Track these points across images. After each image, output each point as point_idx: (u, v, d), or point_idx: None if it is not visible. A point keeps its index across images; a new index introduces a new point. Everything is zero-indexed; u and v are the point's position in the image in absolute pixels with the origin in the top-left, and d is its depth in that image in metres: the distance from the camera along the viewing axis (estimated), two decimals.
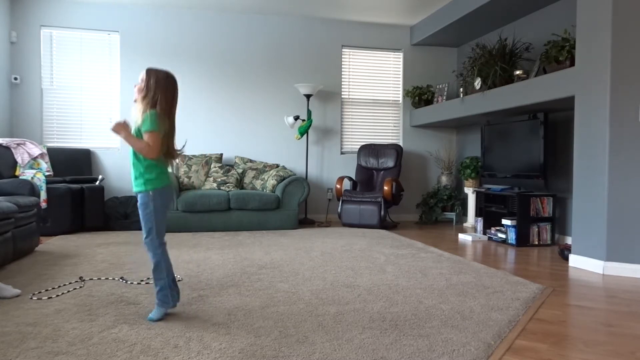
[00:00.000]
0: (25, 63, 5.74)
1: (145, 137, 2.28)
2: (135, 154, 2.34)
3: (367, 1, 5.78)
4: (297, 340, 2.06)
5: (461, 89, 5.63)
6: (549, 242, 4.68)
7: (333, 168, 6.60)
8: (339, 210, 5.90)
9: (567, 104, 4.29)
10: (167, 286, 2.34)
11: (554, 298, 2.82)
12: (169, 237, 4.84)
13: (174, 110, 2.44)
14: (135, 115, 2.33)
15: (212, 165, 5.82)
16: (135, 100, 2.35)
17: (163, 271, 2.34)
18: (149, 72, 2.36)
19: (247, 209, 5.37)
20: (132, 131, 2.30)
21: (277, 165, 6.09)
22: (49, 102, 5.85)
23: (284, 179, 5.64)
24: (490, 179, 5.44)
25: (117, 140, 5.97)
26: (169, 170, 2.48)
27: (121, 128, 2.27)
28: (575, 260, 3.76)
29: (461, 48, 6.80)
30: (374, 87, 6.77)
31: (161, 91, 2.34)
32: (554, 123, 4.93)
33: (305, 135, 6.31)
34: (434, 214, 6.38)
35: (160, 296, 2.33)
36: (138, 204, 2.36)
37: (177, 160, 2.49)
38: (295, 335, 2.12)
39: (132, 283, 3.00)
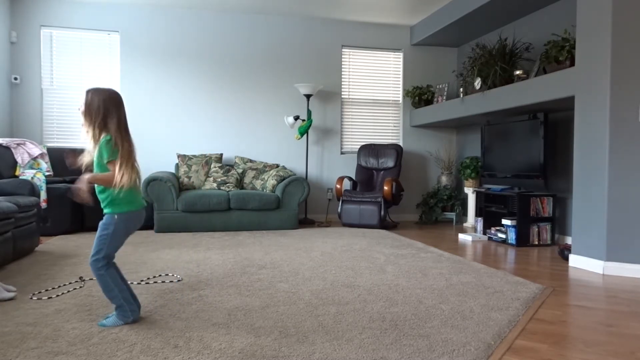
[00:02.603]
0: (25, 63, 5.74)
1: (112, 167, 2.16)
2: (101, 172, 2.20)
3: (367, 1, 5.78)
4: (297, 340, 2.06)
5: (461, 89, 5.63)
6: (549, 242, 4.68)
7: (333, 168, 6.60)
8: (339, 210, 5.90)
9: (567, 104, 4.29)
10: (125, 303, 2.22)
11: (554, 298, 2.82)
12: (169, 237, 4.84)
13: (125, 128, 2.25)
14: (88, 141, 2.19)
15: (212, 165, 5.82)
16: (82, 125, 2.22)
17: (114, 289, 2.22)
18: (90, 93, 2.22)
19: (247, 209, 5.37)
20: (94, 158, 2.19)
21: (277, 165, 6.09)
22: (49, 102, 5.85)
23: (284, 179, 5.64)
24: (490, 179, 5.44)
25: None
26: (140, 192, 2.34)
27: (84, 184, 2.12)
28: (575, 260, 3.76)
29: (461, 48, 6.80)
30: (374, 87, 6.77)
31: (109, 112, 2.19)
32: (554, 123, 4.93)
33: (305, 135, 6.31)
34: (434, 214, 6.38)
35: (118, 312, 2.23)
36: (101, 221, 2.23)
37: (137, 177, 2.27)
38: (295, 335, 2.12)
39: (132, 283, 2.99)
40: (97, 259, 2.21)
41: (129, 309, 2.24)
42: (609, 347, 2.06)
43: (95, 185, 2.23)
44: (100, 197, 2.24)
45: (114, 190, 2.18)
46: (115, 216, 2.22)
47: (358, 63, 6.72)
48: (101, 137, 2.19)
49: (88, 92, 2.24)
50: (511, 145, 5.06)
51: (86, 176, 2.16)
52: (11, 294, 2.66)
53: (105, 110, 2.19)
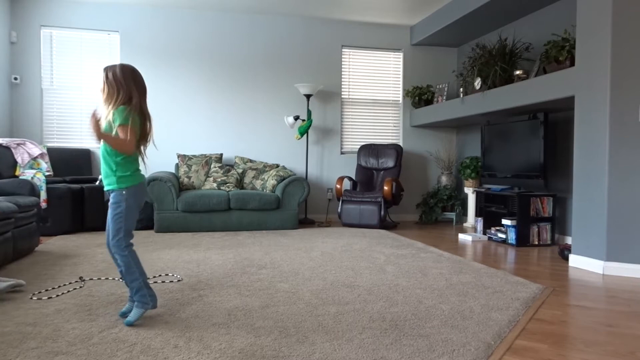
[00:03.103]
0: (25, 63, 5.75)
1: (119, 131, 2.19)
2: (106, 150, 2.25)
3: (367, 1, 5.78)
4: (297, 340, 2.06)
5: (461, 89, 5.63)
6: (549, 242, 4.68)
7: (333, 168, 6.60)
8: (339, 210, 5.90)
9: (567, 104, 4.29)
10: (144, 286, 2.27)
11: (554, 298, 2.82)
12: (169, 237, 4.84)
13: (142, 102, 2.32)
14: (105, 116, 2.24)
15: (212, 165, 5.82)
16: (103, 102, 2.26)
17: (135, 272, 2.26)
18: (108, 69, 2.27)
19: (247, 209, 5.37)
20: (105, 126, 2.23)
21: (277, 165, 6.09)
22: (49, 102, 5.85)
23: (284, 179, 5.64)
24: (490, 179, 5.44)
25: None
26: (141, 165, 2.39)
27: (95, 121, 2.14)
28: (575, 260, 3.76)
29: (461, 48, 6.80)
30: (374, 87, 6.77)
31: (124, 85, 2.25)
32: (554, 123, 4.93)
33: (305, 135, 6.31)
34: (434, 214, 6.38)
35: (138, 297, 2.25)
36: (110, 202, 2.27)
37: (145, 155, 2.38)
38: (295, 335, 2.12)
39: None
40: (120, 239, 2.25)
41: (147, 293, 2.27)
42: (609, 347, 2.06)
43: (103, 163, 2.28)
44: (105, 174, 2.28)
45: (117, 165, 2.23)
46: (124, 191, 2.26)
47: (358, 63, 6.72)
48: (117, 107, 2.22)
49: (106, 69, 2.27)
50: (511, 145, 5.06)
51: (97, 127, 2.15)
52: (13, 282, 2.68)
53: (123, 85, 2.25)
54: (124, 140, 2.19)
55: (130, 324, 2.21)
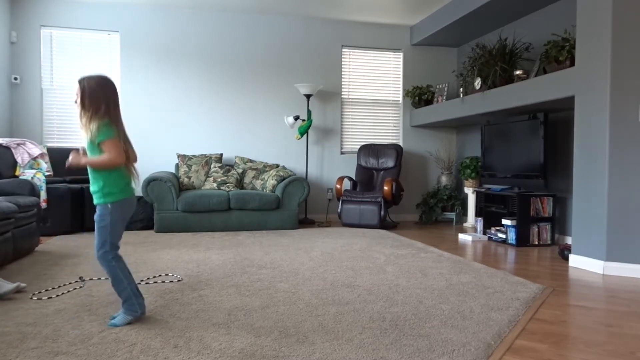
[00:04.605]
0: (25, 63, 5.75)
1: (104, 147, 2.16)
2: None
3: (367, 1, 5.78)
4: (297, 340, 2.06)
5: (461, 89, 5.63)
6: (549, 242, 4.68)
7: (333, 168, 6.60)
8: (339, 210, 5.90)
9: (567, 104, 4.29)
10: (132, 296, 2.23)
11: (554, 298, 2.82)
12: (169, 237, 4.84)
13: (119, 113, 2.28)
14: (84, 132, 2.20)
15: (212, 165, 5.82)
16: (80, 115, 2.20)
17: (123, 281, 2.23)
18: (82, 82, 2.22)
19: (247, 209, 5.37)
20: (87, 144, 2.20)
21: (277, 165, 6.09)
22: (49, 102, 5.85)
23: (284, 179, 5.64)
24: (490, 178, 5.44)
25: None
26: (132, 179, 2.32)
27: (78, 158, 2.16)
28: (575, 260, 3.76)
29: (461, 48, 6.80)
30: (374, 87, 6.77)
31: (102, 98, 2.19)
32: (554, 123, 4.93)
33: (305, 135, 6.31)
34: (434, 214, 6.38)
35: (126, 306, 2.23)
36: (95, 214, 2.24)
37: (135, 168, 2.31)
38: (295, 335, 2.12)
39: None
40: (105, 252, 2.23)
41: (136, 302, 2.25)
42: (609, 347, 2.06)
43: (91, 178, 2.24)
44: (93, 189, 2.24)
45: (105, 180, 2.19)
46: (109, 205, 2.22)
47: (358, 63, 6.72)
48: (98, 122, 2.17)
49: (81, 81, 2.24)
50: (511, 145, 5.06)
51: (82, 162, 2.17)
52: (15, 285, 2.68)
53: (100, 97, 2.20)
54: (110, 157, 2.15)
55: (114, 326, 2.18)
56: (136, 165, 2.36)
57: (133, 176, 2.32)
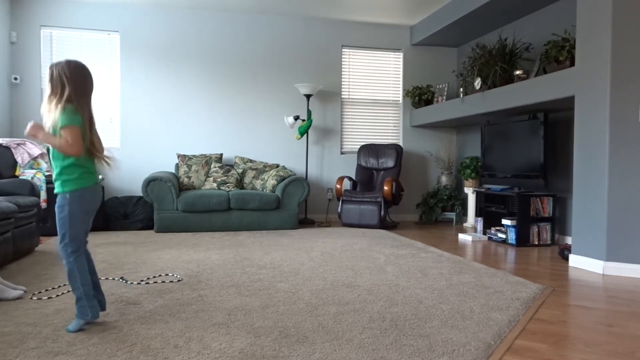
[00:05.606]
0: (25, 63, 5.74)
1: (63, 133, 2.08)
2: (54, 152, 2.16)
3: (367, 1, 5.78)
4: (297, 340, 2.06)
5: (461, 89, 5.63)
6: (549, 242, 4.68)
7: (333, 168, 6.60)
8: (339, 210, 5.90)
9: (567, 104, 4.29)
10: (84, 297, 2.15)
11: (554, 298, 2.82)
12: (169, 237, 4.84)
13: (89, 101, 2.21)
14: (48, 116, 2.15)
15: (212, 165, 5.82)
16: (47, 99, 2.16)
17: (77, 280, 2.16)
18: (52, 67, 2.17)
19: (247, 209, 5.37)
20: (51, 127, 2.14)
21: (277, 165, 6.09)
22: None
23: (284, 179, 5.64)
24: (490, 178, 5.44)
25: (117, 140, 5.98)
26: (96, 169, 2.26)
27: (37, 129, 2.10)
28: (575, 260, 3.76)
29: (461, 48, 6.80)
30: (374, 87, 6.77)
31: (70, 83, 2.14)
32: (554, 123, 4.93)
33: (305, 135, 6.31)
34: (434, 214, 6.38)
35: (77, 307, 2.16)
36: (55, 205, 2.18)
37: (107, 158, 2.25)
38: (295, 335, 2.12)
39: (132, 283, 3.00)
40: (65, 244, 2.16)
41: (87, 304, 2.16)
42: (609, 347, 2.06)
43: (52, 165, 2.18)
44: (53, 177, 2.19)
45: (64, 168, 2.14)
46: (67, 195, 2.15)
47: (358, 63, 6.72)
48: (61, 107, 2.13)
49: (51, 66, 2.19)
50: (511, 145, 5.06)
51: (40, 135, 2.10)
52: (19, 292, 2.67)
53: (67, 82, 2.14)
54: (67, 142, 2.08)
55: (70, 332, 2.12)
56: (106, 154, 2.28)
57: (101, 165, 2.24)
